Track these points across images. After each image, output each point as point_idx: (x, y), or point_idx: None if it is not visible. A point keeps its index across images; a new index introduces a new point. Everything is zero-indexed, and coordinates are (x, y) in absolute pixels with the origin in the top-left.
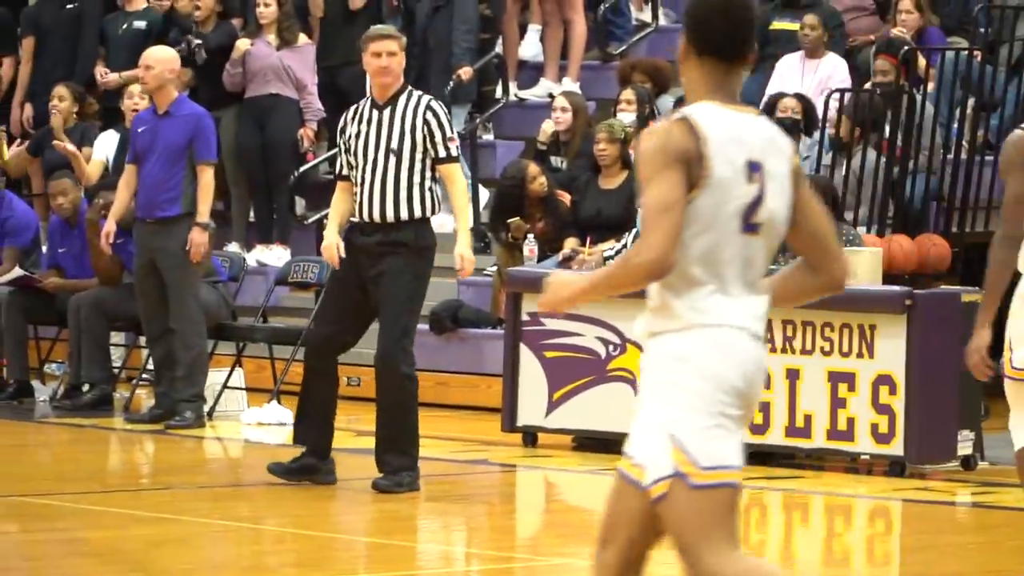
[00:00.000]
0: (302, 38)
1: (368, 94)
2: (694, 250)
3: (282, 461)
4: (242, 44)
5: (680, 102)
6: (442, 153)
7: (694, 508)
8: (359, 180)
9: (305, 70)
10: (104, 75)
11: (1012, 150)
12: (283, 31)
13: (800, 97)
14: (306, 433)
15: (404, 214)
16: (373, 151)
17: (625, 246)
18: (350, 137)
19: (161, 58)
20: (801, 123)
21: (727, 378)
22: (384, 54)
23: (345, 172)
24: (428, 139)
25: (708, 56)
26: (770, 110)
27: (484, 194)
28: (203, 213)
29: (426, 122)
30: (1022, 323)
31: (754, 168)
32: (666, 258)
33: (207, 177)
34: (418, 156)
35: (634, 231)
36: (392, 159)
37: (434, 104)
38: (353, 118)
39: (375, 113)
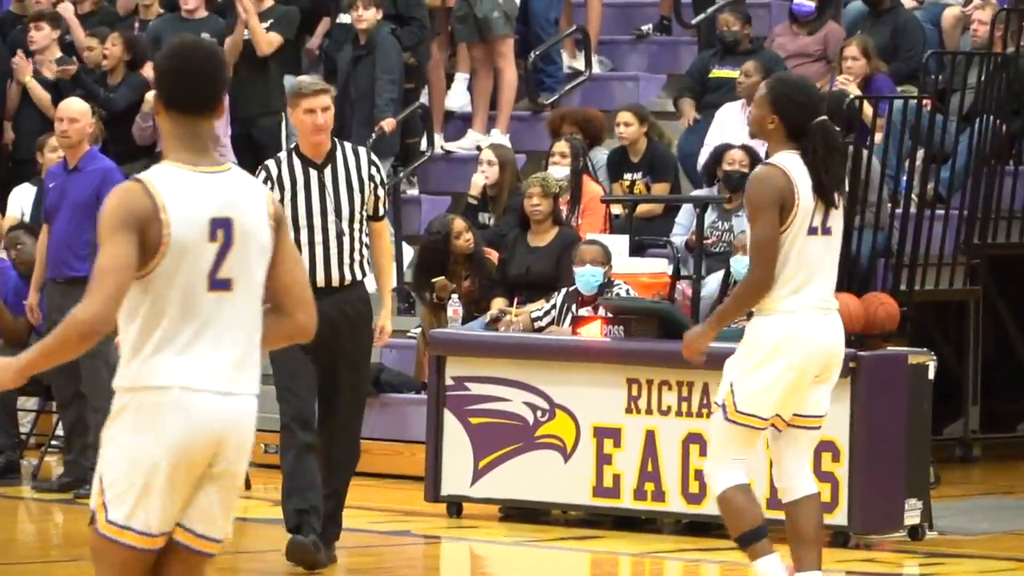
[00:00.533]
0: None
1: (289, 148)
2: (157, 312)
3: (302, 539)
4: (151, 96)
5: (615, 153)
6: (381, 211)
7: (96, 549)
8: (301, 245)
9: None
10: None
11: (763, 187)
12: None
13: (747, 149)
14: (301, 513)
15: (358, 275)
16: (320, 214)
17: (554, 306)
18: (280, 201)
19: (84, 111)
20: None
21: (158, 444)
22: (319, 110)
23: None
24: (373, 195)
25: (174, 109)
26: (716, 161)
27: (408, 252)
28: None
29: (371, 178)
30: (745, 368)
31: (219, 225)
32: (106, 316)
33: None
34: (364, 215)
35: (563, 291)
36: (344, 221)
37: (374, 158)
38: (280, 179)
39: (313, 173)
